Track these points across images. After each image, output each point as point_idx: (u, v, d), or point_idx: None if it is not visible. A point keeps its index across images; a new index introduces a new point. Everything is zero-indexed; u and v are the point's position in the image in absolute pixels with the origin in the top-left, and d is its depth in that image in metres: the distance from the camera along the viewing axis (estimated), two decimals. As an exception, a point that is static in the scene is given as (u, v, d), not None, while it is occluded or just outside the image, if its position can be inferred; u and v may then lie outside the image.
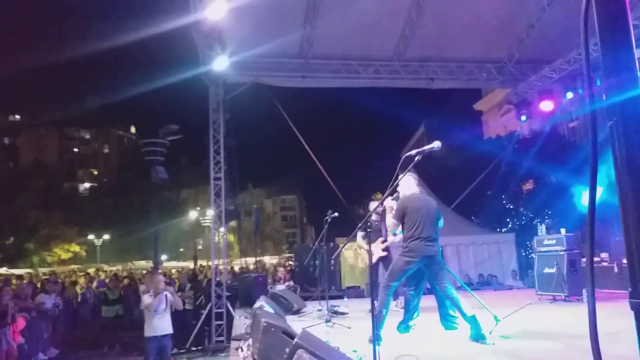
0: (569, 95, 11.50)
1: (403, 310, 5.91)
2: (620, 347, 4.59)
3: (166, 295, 7.05)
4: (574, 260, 8.27)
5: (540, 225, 10.33)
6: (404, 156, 3.21)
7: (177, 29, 10.00)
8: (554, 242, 8.69)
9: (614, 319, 6.46)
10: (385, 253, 7.94)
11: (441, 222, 5.49)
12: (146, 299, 6.92)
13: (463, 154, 21.12)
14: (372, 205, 5.51)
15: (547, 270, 8.57)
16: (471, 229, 15.07)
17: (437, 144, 3.24)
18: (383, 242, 7.87)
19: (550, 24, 11.07)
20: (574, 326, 6.01)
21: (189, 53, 11.27)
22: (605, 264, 10.20)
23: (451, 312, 5.40)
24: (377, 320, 5.00)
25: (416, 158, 3.21)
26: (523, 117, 13.16)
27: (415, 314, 5.62)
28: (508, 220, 18.35)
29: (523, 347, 4.84)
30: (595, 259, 10.38)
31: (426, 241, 5.10)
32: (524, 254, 15.73)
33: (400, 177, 4.57)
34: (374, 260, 7.84)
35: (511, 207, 18.57)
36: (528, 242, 15.86)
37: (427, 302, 5.87)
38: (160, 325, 6.95)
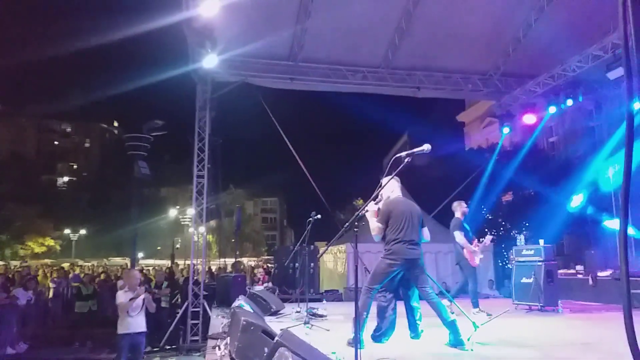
0: (552, 109, 11.72)
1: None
2: (598, 357, 4.70)
3: (144, 299, 6.90)
4: (551, 270, 8.39)
5: (519, 235, 10.46)
6: (394, 157, 3.22)
7: (168, 25, 9.90)
8: (532, 252, 8.81)
9: (590, 329, 6.63)
10: (482, 256, 8.09)
11: (425, 237, 5.43)
12: (120, 295, 6.77)
13: (445, 164, 21.31)
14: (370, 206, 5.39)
15: (524, 280, 8.69)
16: (450, 237, 15.19)
17: (427, 147, 3.26)
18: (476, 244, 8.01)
19: (536, 39, 11.26)
20: (550, 335, 6.13)
21: (179, 49, 11.19)
22: (580, 276, 10.41)
23: (417, 321, 5.43)
24: (358, 323, 5.00)
25: (406, 160, 3.23)
26: (506, 129, 13.36)
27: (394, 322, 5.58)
28: (486, 230, 18.54)
29: (501, 354, 4.89)
30: (571, 271, 10.67)
31: (409, 244, 5.11)
32: (500, 264, 15.95)
33: (387, 179, 4.60)
34: (477, 262, 7.95)
35: (490, 217, 18.83)
36: (505, 253, 16.10)
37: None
38: (135, 322, 6.80)
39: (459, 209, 8.20)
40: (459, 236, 7.93)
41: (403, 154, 3.26)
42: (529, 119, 12.62)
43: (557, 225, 14.12)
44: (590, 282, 9.83)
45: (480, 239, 8.37)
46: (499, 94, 13.20)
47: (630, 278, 7.39)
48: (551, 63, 11.18)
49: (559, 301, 8.25)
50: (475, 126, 32.14)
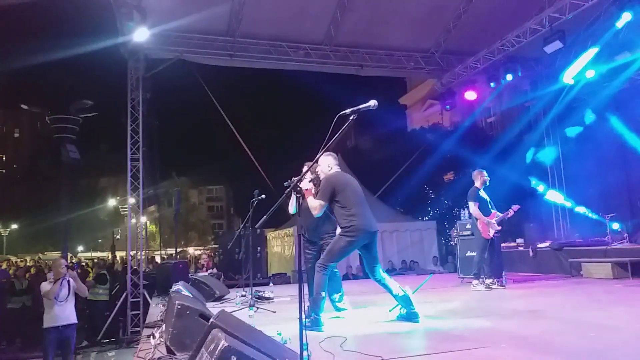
0: (492, 84, 11.87)
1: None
2: (544, 324, 4.71)
3: (69, 281, 6.38)
4: (494, 243, 8.46)
5: (463, 210, 10.60)
6: (338, 115, 2.96)
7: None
8: (475, 226, 8.85)
9: (534, 297, 6.72)
10: (499, 227, 7.73)
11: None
12: (45, 285, 6.24)
13: (388, 145, 21.50)
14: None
15: (469, 253, 8.76)
16: (395, 216, 15.35)
17: (373, 103, 3.01)
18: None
19: (476, 15, 11.33)
20: (498, 306, 6.15)
21: (106, 20, 10.36)
22: (521, 248, 10.70)
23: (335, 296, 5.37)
24: (316, 304, 4.73)
25: (351, 117, 2.97)
26: (447, 107, 13.47)
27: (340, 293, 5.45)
28: (429, 208, 18.96)
29: (451, 325, 4.80)
30: (511, 244, 10.89)
31: (369, 216, 4.90)
32: (444, 241, 16.30)
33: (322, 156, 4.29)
34: (491, 234, 7.59)
35: (433, 196, 19.22)
36: (448, 231, 16.48)
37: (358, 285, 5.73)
38: (62, 314, 6.28)
39: (479, 177, 7.85)
40: (472, 207, 7.72)
41: (348, 110, 3.00)
42: (470, 95, 12.78)
43: (496, 201, 14.49)
44: (531, 253, 10.10)
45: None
46: (440, 71, 13.25)
47: (566, 247, 7.55)
48: (491, 39, 11.28)
49: (503, 273, 8.36)
50: (417, 108, 32.67)
